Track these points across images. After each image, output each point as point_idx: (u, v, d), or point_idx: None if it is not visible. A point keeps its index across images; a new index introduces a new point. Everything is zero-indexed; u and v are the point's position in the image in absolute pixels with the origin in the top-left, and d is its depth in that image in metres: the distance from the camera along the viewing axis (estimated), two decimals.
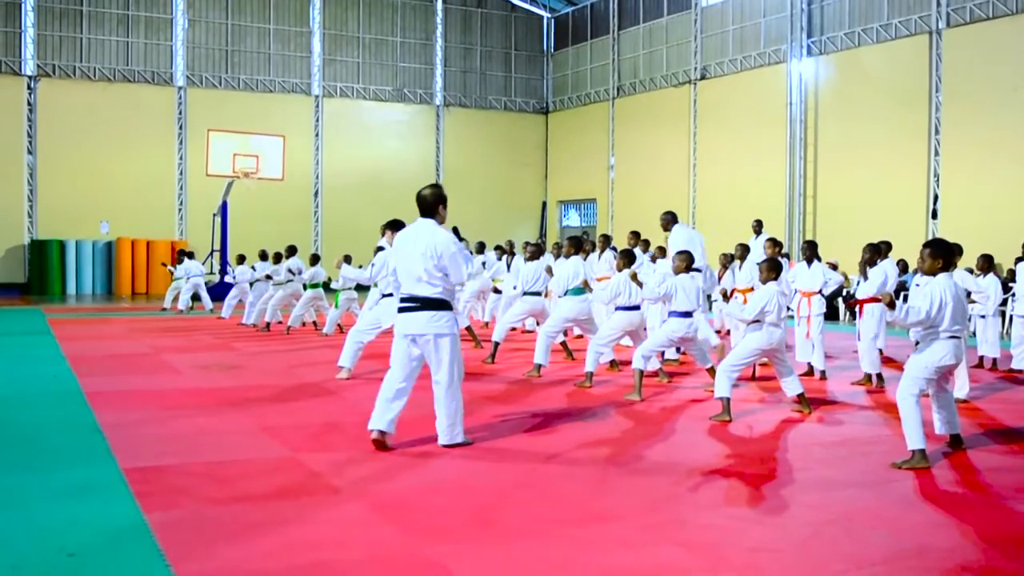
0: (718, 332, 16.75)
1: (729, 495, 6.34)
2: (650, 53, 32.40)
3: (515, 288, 14.89)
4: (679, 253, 10.54)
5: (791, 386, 9.36)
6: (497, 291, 17.27)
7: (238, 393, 10.14)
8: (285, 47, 32.95)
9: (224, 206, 26.47)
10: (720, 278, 15.67)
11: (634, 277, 10.64)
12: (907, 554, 5.16)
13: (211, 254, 27.74)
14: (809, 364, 12.17)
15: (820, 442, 8.16)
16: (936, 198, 23.41)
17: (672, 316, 10.23)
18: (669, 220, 13.62)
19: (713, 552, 5.11)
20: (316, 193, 32.71)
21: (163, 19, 31.32)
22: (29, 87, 29.76)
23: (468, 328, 15.31)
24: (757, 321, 9.03)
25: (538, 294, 13.46)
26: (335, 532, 5.33)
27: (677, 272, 10.31)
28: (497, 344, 13.25)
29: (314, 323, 18.27)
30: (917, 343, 7.53)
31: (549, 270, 13.25)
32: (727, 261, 16.07)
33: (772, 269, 9.36)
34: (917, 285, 13.71)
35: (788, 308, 10.24)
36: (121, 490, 6.08)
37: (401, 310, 7.42)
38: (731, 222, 25.79)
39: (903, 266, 18.13)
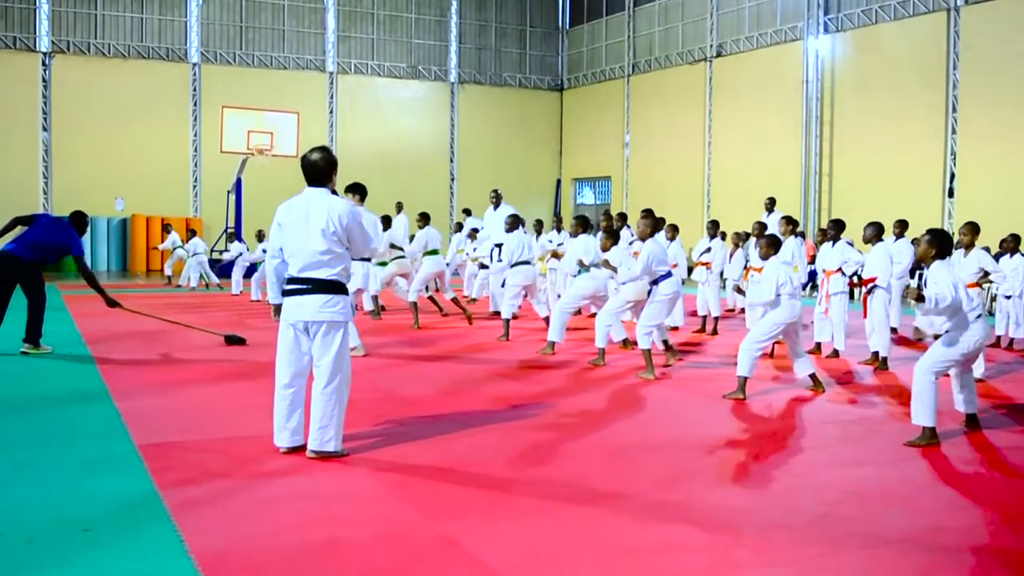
0: (731, 311, 16.71)
1: (742, 473, 6.33)
2: (666, 30, 32.20)
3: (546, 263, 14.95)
4: (644, 218, 10.68)
5: (803, 367, 9.34)
6: (484, 266, 16.92)
7: (253, 369, 10.15)
8: (299, 23, 32.87)
9: (238, 183, 26.48)
10: (731, 257, 15.65)
11: (605, 263, 10.85)
12: (923, 532, 5.14)
13: (225, 231, 27.78)
14: (817, 343, 12.15)
15: (834, 420, 8.14)
16: (952, 176, 23.25)
17: (658, 283, 10.30)
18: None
19: (727, 530, 5.09)
20: None
21: None
22: (44, 63, 29.78)
23: (455, 300, 15.49)
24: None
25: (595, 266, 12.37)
26: (349, 508, 5.34)
27: (643, 237, 10.39)
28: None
29: None
30: (936, 335, 7.67)
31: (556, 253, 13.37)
32: (740, 240, 16.03)
33: (771, 245, 9.40)
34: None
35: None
36: (136, 466, 6.10)
37: (289, 293, 6.41)
38: (746, 200, 25.73)
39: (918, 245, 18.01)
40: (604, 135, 34.52)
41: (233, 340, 12.15)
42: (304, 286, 6.34)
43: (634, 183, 33.12)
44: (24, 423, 7.47)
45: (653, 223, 10.39)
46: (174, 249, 23.57)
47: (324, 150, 6.51)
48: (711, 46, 30.18)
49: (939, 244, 7.29)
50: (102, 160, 29.80)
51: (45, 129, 29.75)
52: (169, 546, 4.65)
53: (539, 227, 18.71)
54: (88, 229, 11.97)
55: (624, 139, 33.64)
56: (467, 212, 22.78)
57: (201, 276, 22.64)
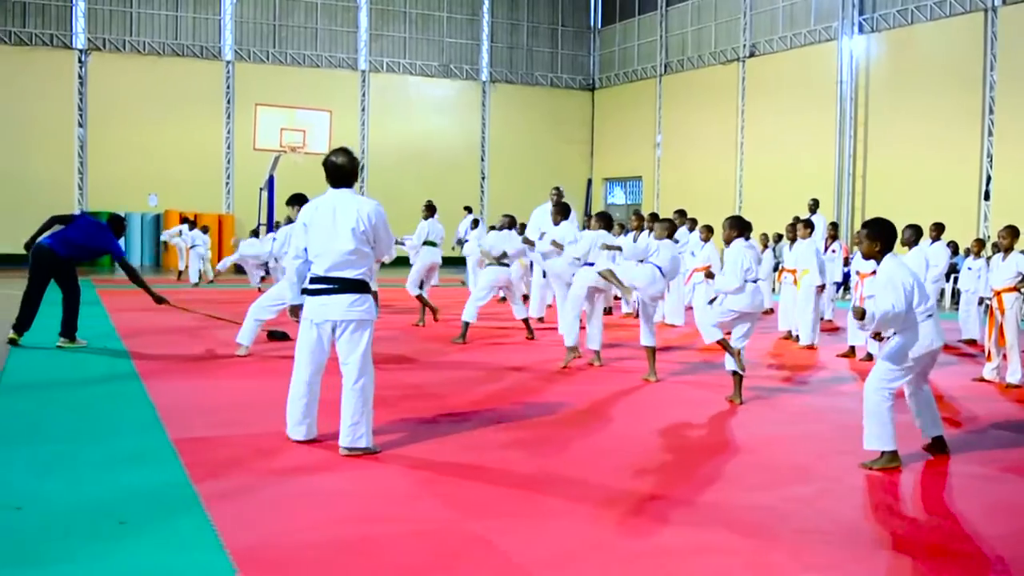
0: (765, 311, 16.60)
1: (774, 476, 6.29)
2: (698, 30, 32.08)
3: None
4: (660, 221, 10.32)
5: (731, 364, 8.67)
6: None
7: (285, 365, 10.17)
8: (332, 22, 33.00)
9: (271, 180, 26.55)
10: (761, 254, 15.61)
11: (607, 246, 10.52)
12: (962, 540, 5.09)
13: (258, 227, 27.90)
14: (851, 347, 12.06)
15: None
16: (989, 179, 23.01)
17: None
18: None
19: (760, 533, 5.06)
20: (362, 168, 32.80)
21: None
22: (80, 60, 30.07)
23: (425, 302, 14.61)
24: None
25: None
26: (381, 506, 5.35)
27: (659, 239, 9.98)
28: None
29: None
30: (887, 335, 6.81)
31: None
32: (770, 240, 15.97)
33: (734, 227, 8.74)
34: (969, 268, 13.54)
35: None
36: (170, 460, 6.15)
37: (315, 292, 6.44)
38: (778, 201, 25.61)
39: (954, 248, 17.89)
40: (635, 135, 34.43)
41: (276, 336, 12.13)
42: (331, 285, 6.37)
43: (665, 183, 33.03)
44: (60, 415, 7.55)
45: (668, 227, 10.14)
46: (172, 240, 23.66)
47: (347, 152, 6.57)
48: (744, 46, 30.03)
49: (883, 237, 6.50)
50: (136, 156, 30.04)
51: (81, 125, 30.03)
52: (204, 539, 4.68)
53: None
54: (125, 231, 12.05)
55: (656, 139, 33.54)
56: (468, 209, 22.87)
57: (200, 271, 22.66)
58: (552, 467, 6.28)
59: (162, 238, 25.73)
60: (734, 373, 8.66)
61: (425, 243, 14.83)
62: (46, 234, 11.22)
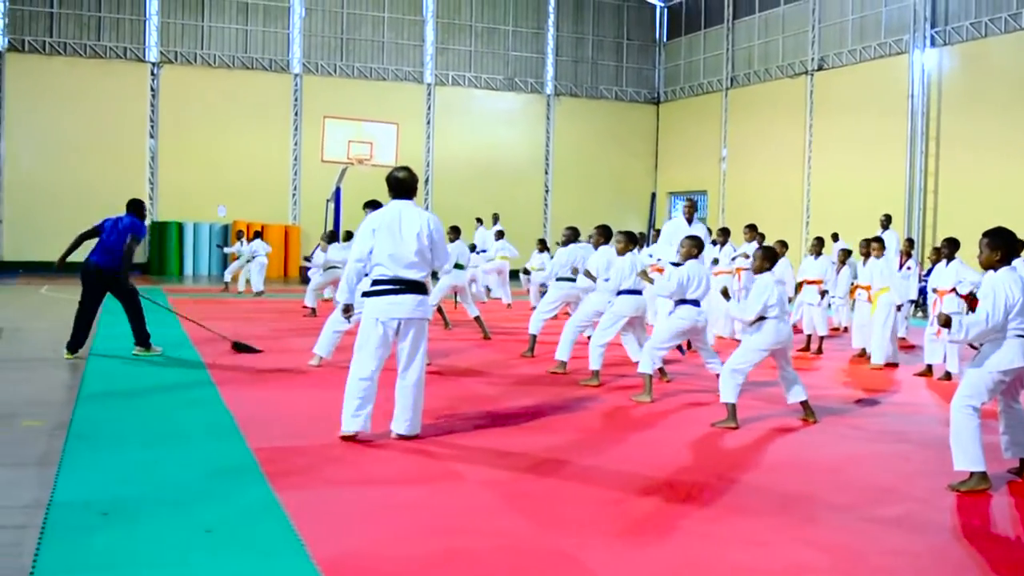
0: (835, 330, 16.34)
1: (860, 496, 6.15)
2: (766, 43, 31.79)
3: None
4: (688, 237, 9.76)
5: (795, 392, 8.43)
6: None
7: None
8: (399, 35, 33.23)
9: (338, 192, 26.83)
10: (838, 272, 15.38)
11: (643, 274, 10.12)
12: None
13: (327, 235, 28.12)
14: (928, 365, 11.81)
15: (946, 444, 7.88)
16: None
17: (681, 305, 9.37)
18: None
19: (851, 555, 4.96)
20: (427, 180, 32.96)
21: (281, 7, 31.86)
22: (152, 73, 30.59)
23: (477, 319, 14.59)
24: (762, 319, 8.17)
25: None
26: (464, 520, 5.32)
27: (686, 258, 9.48)
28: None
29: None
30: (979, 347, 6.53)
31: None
32: (844, 257, 15.71)
33: (767, 258, 8.43)
34: None
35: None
36: (252, 469, 6.18)
37: (382, 293, 7.00)
38: (847, 217, 25.22)
39: None
40: (701, 149, 34.18)
41: (241, 348, 11.83)
42: (398, 287, 6.96)
43: (731, 198, 32.74)
44: (140, 424, 7.63)
45: (699, 245, 9.62)
46: (236, 255, 23.70)
47: (408, 169, 7.37)
48: (812, 59, 29.70)
49: (1004, 247, 6.27)
50: (205, 167, 30.46)
51: (152, 136, 30.54)
52: (291, 550, 4.69)
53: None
54: (147, 215, 11.84)
55: (721, 153, 33.27)
56: (479, 221, 22.84)
57: (247, 281, 22.69)
58: (634, 483, 6.20)
59: (225, 250, 25.99)
60: (803, 403, 8.52)
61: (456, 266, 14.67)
62: (89, 250, 11.19)
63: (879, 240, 13.15)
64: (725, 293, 8.92)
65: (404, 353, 7.09)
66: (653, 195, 36.50)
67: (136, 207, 11.63)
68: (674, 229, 12.51)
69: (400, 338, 7.07)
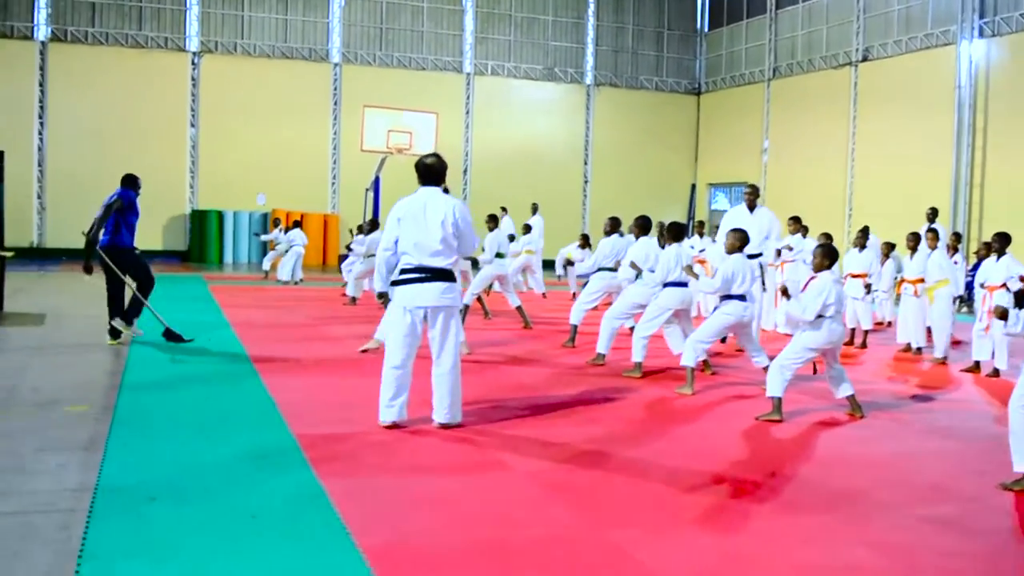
0: (880, 324, 16.11)
1: (910, 494, 6.03)
2: (809, 33, 31.42)
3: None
4: (732, 231, 9.58)
5: (842, 387, 8.33)
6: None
7: None
8: (438, 25, 33.18)
9: (377, 181, 26.84)
10: (882, 265, 15.16)
11: (688, 269, 9.86)
12: None
13: (361, 227, 28.18)
14: (976, 362, 11.59)
15: (1000, 444, 7.72)
16: None
17: (727, 300, 9.26)
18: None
19: (904, 553, 4.86)
20: (465, 170, 32.93)
21: None
22: (193, 63, 30.73)
23: (519, 308, 14.35)
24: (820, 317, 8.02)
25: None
26: (510, 510, 5.27)
27: (731, 251, 9.37)
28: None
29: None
30: None
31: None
32: (888, 251, 15.50)
33: (826, 256, 8.27)
34: None
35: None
36: (296, 456, 6.16)
37: (408, 282, 7.01)
38: (891, 211, 24.90)
39: None
40: (742, 140, 33.86)
41: (172, 336, 11.23)
42: (424, 275, 6.95)
43: (772, 190, 32.40)
44: (184, 411, 7.62)
45: (743, 238, 9.42)
46: (275, 244, 23.75)
47: (436, 155, 7.28)
48: (857, 50, 29.30)
49: None
50: (245, 156, 30.59)
51: (193, 126, 30.70)
52: (336, 538, 4.66)
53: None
54: (140, 190, 11.18)
55: (763, 145, 32.95)
56: (504, 210, 22.69)
57: (293, 271, 22.71)
58: (681, 476, 6.11)
59: (262, 238, 26.08)
60: (851, 397, 8.39)
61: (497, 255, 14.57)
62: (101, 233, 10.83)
63: (934, 231, 12.91)
64: (785, 292, 8.74)
65: (435, 341, 7.06)
66: (693, 187, 36.24)
67: (128, 181, 11.14)
68: (734, 218, 12.03)
69: (429, 326, 7.05)
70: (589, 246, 19.98)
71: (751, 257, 10.75)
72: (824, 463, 6.85)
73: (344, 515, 4.97)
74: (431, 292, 6.96)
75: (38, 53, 29.14)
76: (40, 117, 29.25)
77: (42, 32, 29.25)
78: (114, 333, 10.91)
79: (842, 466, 6.71)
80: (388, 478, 5.78)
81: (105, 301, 10.96)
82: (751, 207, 12.18)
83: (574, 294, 19.50)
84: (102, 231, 10.74)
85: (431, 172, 7.15)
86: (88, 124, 29.29)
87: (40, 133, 29.25)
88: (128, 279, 10.94)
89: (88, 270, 10.83)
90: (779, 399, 8.01)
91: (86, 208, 27.39)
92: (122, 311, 10.96)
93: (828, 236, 14.06)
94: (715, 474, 6.20)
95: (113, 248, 10.77)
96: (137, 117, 29.74)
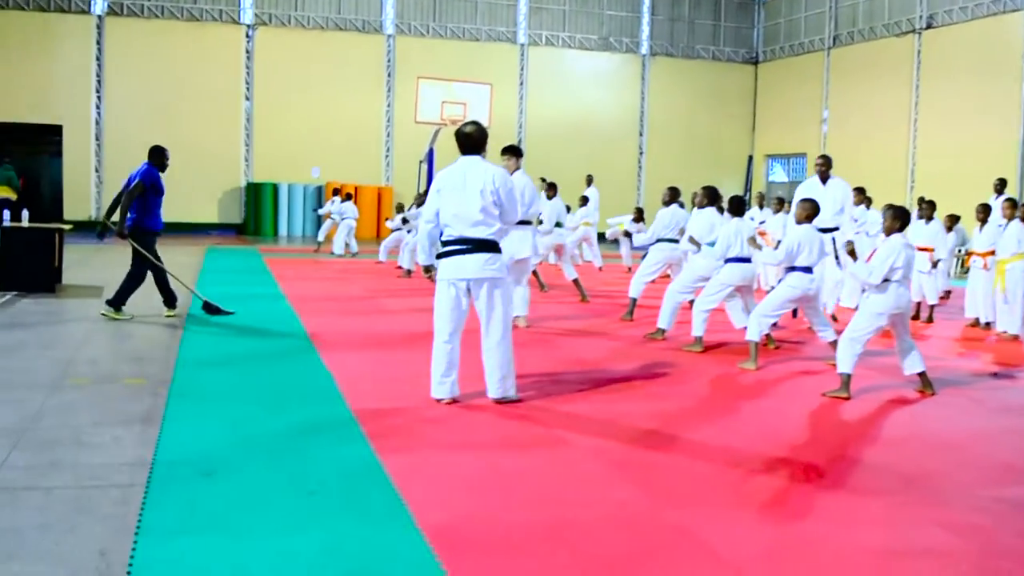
0: (944, 297, 15.70)
1: (984, 474, 5.81)
2: (870, 0, 30.70)
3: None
4: (802, 201, 9.29)
5: (912, 363, 8.01)
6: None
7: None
8: None
9: (431, 153, 26.76)
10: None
11: (752, 241, 9.57)
12: None
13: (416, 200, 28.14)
14: None
15: None
16: None
17: (792, 272, 8.99)
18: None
19: (981, 536, 4.65)
20: (519, 141, 32.69)
21: None
22: (247, 35, 30.78)
23: (576, 281, 14.20)
24: (886, 281, 7.74)
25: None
26: (574, 489, 5.13)
27: (799, 222, 9.10)
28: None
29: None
30: None
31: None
32: (951, 223, 15.08)
33: (896, 217, 7.91)
34: None
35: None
36: (352, 429, 6.08)
37: (449, 254, 6.86)
38: (954, 183, 24.29)
39: None
40: (800, 110, 33.25)
41: (212, 310, 11.11)
42: (465, 246, 6.78)
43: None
44: (241, 385, 7.57)
45: (814, 208, 9.14)
46: (330, 215, 23.73)
47: (476, 123, 7.09)
48: (921, 17, 28.58)
49: None
50: (299, 129, 30.64)
51: (247, 99, 30.79)
52: (396, 516, 4.55)
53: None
54: (168, 163, 10.88)
55: (822, 115, 32.33)
56: (552, 187, 22.38)
57: (346, 244, 22.67)
58: (746, 455, 5.93)
59: (319, 212, 26.10)
60: (920, 375, 8.11)
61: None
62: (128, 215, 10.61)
63: (1012, 201, 12.44)
64: (852, 252, 8.44)
65: (482, 314, 6.89)
66: (750, 158, 35.70)
67: (153, 154, 10.87)
68: (807, 189, 11.62)
69: (474, 298, 6.88)
70: (643, 220, 19.70)
71: (824, 231, 10.49)
72: (894, 443, 6.62)
73: (403, 491, 4.86)
74: (473, 263, 6.79)
75: (95, 27, 29.35)
76: (97, 91, 29.50)
77: (99, 6, 29.44)
78: (168, 303, 10.92)
79: (912, 446, 6.48)
80: (447, 454, 5.67)
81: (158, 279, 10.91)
82: (823, 178, 11.72)
83: (629, 268, 19.32)
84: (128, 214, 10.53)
85: (470, 141, 6.96)
86: (144, 98, 29.48)
87: (97, 107, 29.50)
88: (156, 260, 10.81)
89: (121, 234, 10.50)
90: (848, 375, 7.77)
91: None
92: (168, 294, 10.91)
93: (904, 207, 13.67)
94: (782, 453, 6.01)
95: (136, 230, 10.59)
96: (192, 90, 29.89)
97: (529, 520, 4.57)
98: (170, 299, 10.96)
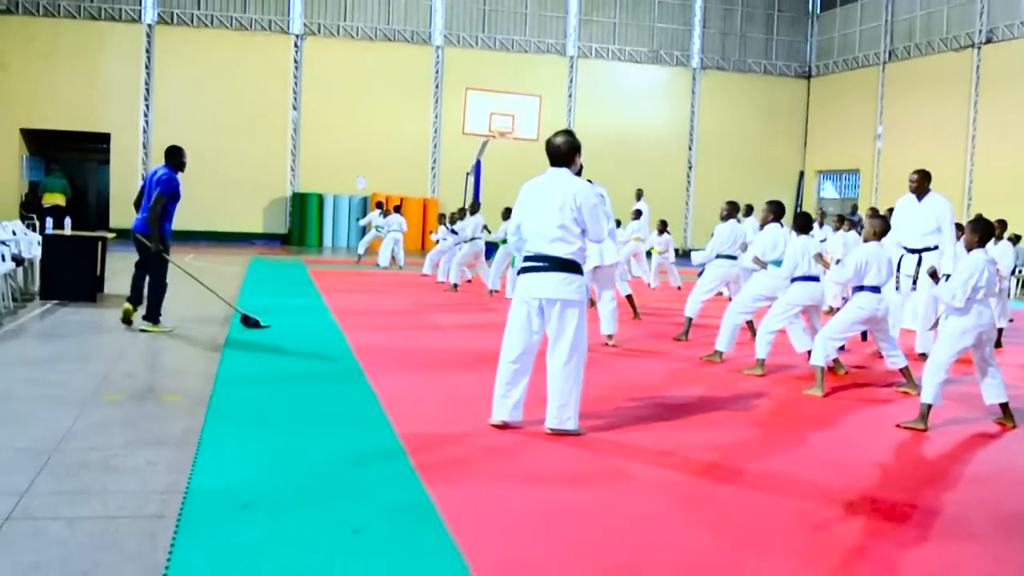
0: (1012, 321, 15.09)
1: None
2: (928, 14, 30.01)
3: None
4: (872, 218, 8.86)
5: (996, 392, 7.50)
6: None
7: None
8: (541, 7, 32.60)
9: (478, 165, 26.43)
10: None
11: (819, 257, 9.10)
12: None
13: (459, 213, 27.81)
14: None
15: None
16: None
17: (859, 292, 8.53)
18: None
19: None
20: None
21: None
22: (296, 45, 30.72)
23: (629, 297, 13.79)
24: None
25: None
26: (639, 529, 4.69)
27: (867, 239, 8.64)
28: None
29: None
30: None
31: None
32: (1015, 241, 14.52)
33: (976, 231, 7.43)
34: None
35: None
36: (400, 459, 5.67)
37: (526, 271, 6.46)
38: (1014, 201, 23.56)
39: None
40: (854, 126, 32.57)
41: (249, 322, 10.91)
42: (541, 264, 6.38)
43: (885, 178, 31.08)
44: (282, 407, 7.15)
45: (883, 227, 8.71)
46: (375, 226, 23.46)
47: (568, 133, 6.66)
48: (979, 31, 27.88)
49: None
50: (346, 139, 30.50)
51: (295, 108, 30.69)
52: (447, 559, 4.15)
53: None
54: (185, 162, 10.49)
55: (876, 131, 31.63)
56: (639, 194, 22.04)
57: (392, 256, 22.35)
58: (823, 493, 5.45)
59: (361, 223, 25.87)
60: (1002, 406, 7.59)
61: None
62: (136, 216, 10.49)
63: None
64: (934, 275, 7.93)
65: (550, 336, 6.45)
66: (801, 174, 35.04)
67: (171, 155, 10.44)
68: (902, 207, 11.14)
69: (546, 319, 6.44)
70: (667, 231, 19.57)
71: (913, 252, 10.09)
72: (982, 480, 6.12)
73: (454, 530, 4.47)
74: (548, 283, 6.35)
75: (145, 36, 29.41)
76: (146, 100, 29.53)
77: (149, 15, 29.51)
78: (133, 301, 10.63)
79: (1001, 485, 5.99)
80: (502, 486, 5.26)
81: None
82: (920, 194, 11.07)
83: (650, 286, 19.15)
84: (143, 215, 10.32)
85: (556, 152, 6.55)
86: (192, 107, 29.48)
87: (146, 115, 29.53)
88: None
89: (158, 253, 10.27)
90: (929, 406, 7.27)
91: (189, 190, 27.64)
92: (138, 290, 10.61)
93: (959, 227, 13.13)
94: (861, 491, 5.53)
95: (143, 234, 10.31)
96: (240, 99, 29.86)
97: (593, 566, 4.15)
98: (137, 299, 10.61)
